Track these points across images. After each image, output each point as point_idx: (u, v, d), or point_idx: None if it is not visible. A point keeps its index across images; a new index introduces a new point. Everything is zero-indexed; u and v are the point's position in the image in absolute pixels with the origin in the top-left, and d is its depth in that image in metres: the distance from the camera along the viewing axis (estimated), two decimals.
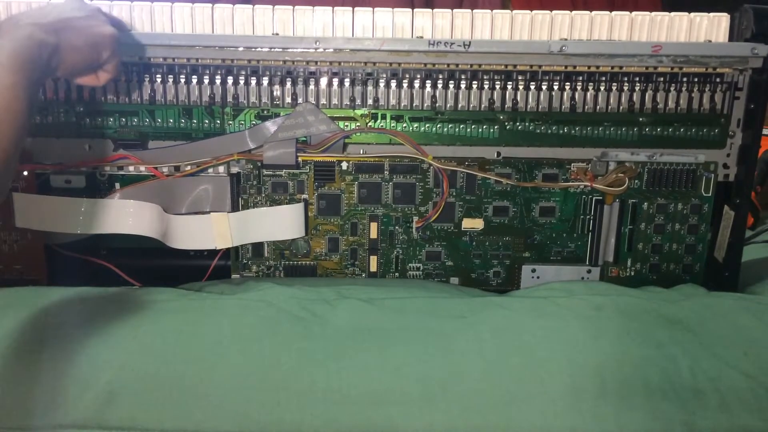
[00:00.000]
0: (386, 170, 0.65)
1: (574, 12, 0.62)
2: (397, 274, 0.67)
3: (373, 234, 0.66)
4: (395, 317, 0.55)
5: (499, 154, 0.64)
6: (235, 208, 0.64)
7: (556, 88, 0.62)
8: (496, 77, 0.62)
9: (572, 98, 0.63)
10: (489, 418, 0.48)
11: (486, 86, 0.62)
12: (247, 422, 0.48)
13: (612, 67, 0.61)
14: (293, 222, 0.65)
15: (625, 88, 0.62)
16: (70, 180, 0.63)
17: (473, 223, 0.66)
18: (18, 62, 0.40)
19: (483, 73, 0.62)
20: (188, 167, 0.63)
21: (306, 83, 0.62)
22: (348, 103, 0.63)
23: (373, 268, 0.67)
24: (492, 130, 0.63)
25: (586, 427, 0.48)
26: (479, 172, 0.64)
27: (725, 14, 0.62)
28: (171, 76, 0.61)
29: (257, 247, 0.66)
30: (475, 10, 0.62)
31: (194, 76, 0.61)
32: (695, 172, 0.65)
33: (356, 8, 0.61)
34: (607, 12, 0.62)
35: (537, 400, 0.49)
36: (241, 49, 0.60)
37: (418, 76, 0.62)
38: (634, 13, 0.62)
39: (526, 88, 0.62)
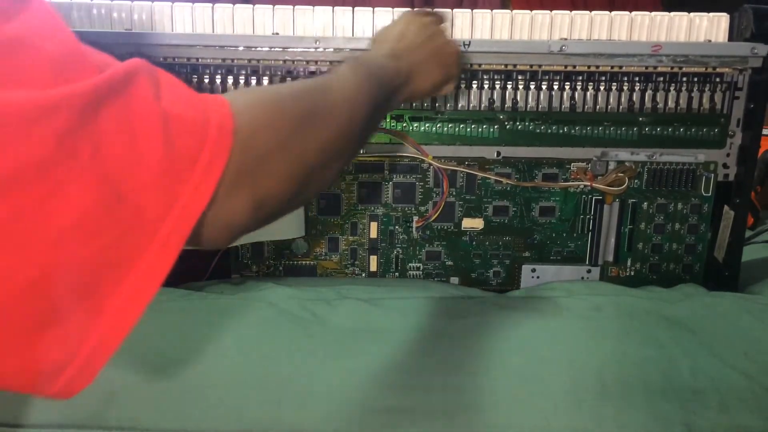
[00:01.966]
0: (386, 170, 0.64)
1: (574, 12, 0.62)
2: (397, 274, 0.67)
3: (373, 234, 0.66)
4: (395, 317, 0.55)
5: (499, 153, 0.64)
6: None
7: (556, 87, 0.62)
8: (496, 77, 0.62)
9: (572, 98, 0.63)
10: (489, 418, 0.48)
11: (486, 86, 0.62)
12: (247, 422, 0.48)
13: (612, 67, 0.61)
14: (293, 222, 0.64)
15: (625, 88, 0.62)
16: None
17: (473, 223, 0.66)
18: (369, 75, 0.40)
19: (483, 72, 0.62)
20: None
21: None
22: None
23: (373, 268, 0.67)
24: (492, 130, 0.63)
25: (586, 427, 0.48)
26: (479, 172, 0.64)
27: (725, 14, 0.62)
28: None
29: (257, 247, 0.66)
30: (475, 10, 0.62)
31: (194, 76, 0.61)
32: (695, 171, 0.65)
33: (356, 8, 0.61)
34: (607, 12, 0.62)
35: (537, 400, 0.49)
36: (241, 48, 0.60)
37: None
38: (633, 13, 0.62)
39: (526, 88, 0.62)
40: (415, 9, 0.56)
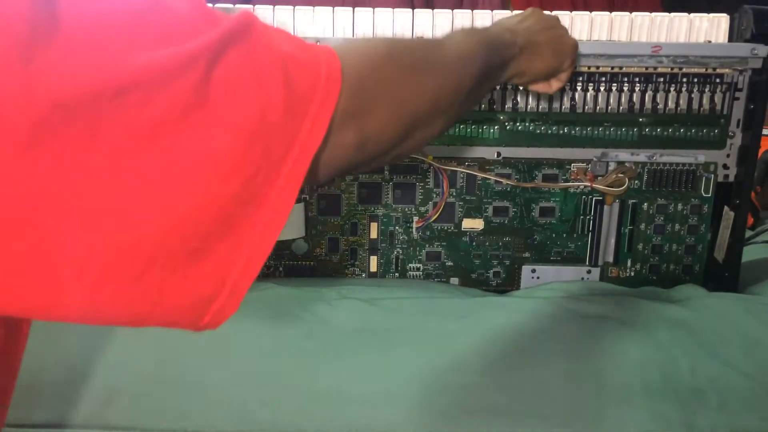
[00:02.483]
0: (386, 170, 0.64)
1: (574, 12, 0.62)
2: (397, 274, 0.67)
3: (373, 234, 0.66)
4: (395, 317, 0.55)
5: (499, 154, 0.64)
6: None
7: None
8: None
9: (572, 98, 0.63)
10: (489, 418, 0.48)
11: None
12: (247, 422, 0.48)
13: (612, 68, 0.61)
14: (293, 222, 0.64)
15: (625, 89, 0.62)
16: None
17: (473, 224, 0.66)
18: (484, 41, 0.41)
19: None
20: None
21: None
22: None
23: (373, 268, 0.67)
24: (492, 131, 0.63)
25: (586, 427, 0.48)
26: (479, 173, 0.64)
27: (725, 15, 0.62)
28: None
29: None
30: (475, 10, 0.62)
31: None
32: (695, 172, 0.65)
33: (356, 8, 0.61)
34: (607, 12, 0.62)
35: (537, 400, 0.49)
36: None
37: None
38: (633, 13, 0.62)
39: (526, 89, 0.62)
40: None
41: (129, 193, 0.22)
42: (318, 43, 0.54)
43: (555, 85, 0.54)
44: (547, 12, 0.56)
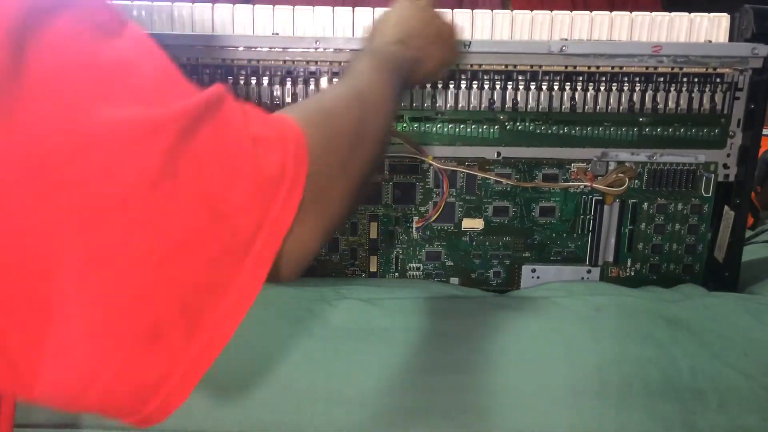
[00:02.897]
0: (386, 170, 0.64)
1: (574, 12, 0.62)
2: (397, 274, 0.67)
3: (373, 234, 0.66)
4: (395, 317, 0.55)
5: (499, 154, 0.64)
6: None
7: (556, 88, 0.62)
8: (496, 77, 0.62)
9: (572, 98, 0.63)
10: (489, 418, 0.48)
11: (486, 86, 0.62)
12: (247, 422, 0.48)
13: (612, 68, 0.61)
14: None
15: (626, 89, 0.62)
16: None
17: (473, 223, 0.66)
18: (388, 70, 0.40)
19: (483, 73, 0.62)
20: None
21: (306, 83, 0.62)
22: None
23: (373, 268, 0.67)
24: (492, 130, 0.63)
25: (586, 427, 0.48)
26: (479, 172, 0.64)
27: (725, 14, 0.62)
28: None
29: None
30: (475, 10, 0.62)
31: (194, 76, 0.61)
32: (695, 172, 0.64)
33: (356, 8, 0.61)
34: (607, 12, 0.62)
35: (537, 400, 0.49)
36: (241, 49, 0.60)
37: None
38: (634, 13, 0.62)
39: (526, 88, 0.62)
40: None
41: (89, 264, 0.20)
42: (317, 44, 0.54)
43: (440, 74, 0.54)
44: None
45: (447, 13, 0.61)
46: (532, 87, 0.62)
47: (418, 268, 0.67)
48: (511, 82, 0.62)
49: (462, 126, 0.63)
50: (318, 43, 0.59)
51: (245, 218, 0.24)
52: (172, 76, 0.24)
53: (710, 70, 0.62)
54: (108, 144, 0.20)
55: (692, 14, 0.62)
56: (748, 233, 0.80)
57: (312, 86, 0.62)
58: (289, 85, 0.62)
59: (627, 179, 0.64)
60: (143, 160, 0.20)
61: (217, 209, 0.23)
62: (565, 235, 0.67)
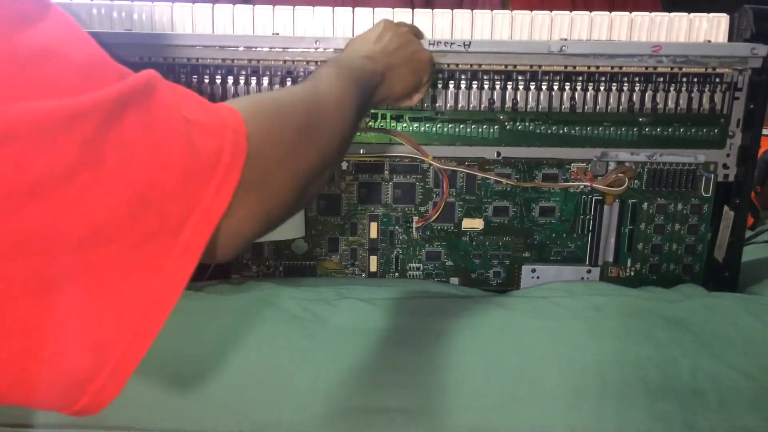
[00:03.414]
0: (386, 170, 0.65)
1: (573, 12, 0.62)
2: (397, 274, 0.67)
3: (373, 234, 0.66)
4: (395, 317, 0.55)
5: (499, 154, 0.64)
6: None
7: (556, 88, 0.62)
8: (496, 77, 0.62)
9: (572, 98, 0.63)
10: (489, 418, 0.48)
11: (486, 86, 0.62)
12: (247, 422, 0.48)
13: (612, 68, 0.61)
14: (293, 222, 0.64)
15: (625, 89, 0.62)
16: None
17: (473, 223, 0.66)
18: (351, 78, 0.41)
19: (483, 73, 0.62)
20: None
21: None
22: None
23: (373, 268, 0.67)
24: (492, 130, 0.63)
25: (586, 427, 0.48)
26: (479, 172, 0.64)
27: (725, 15, 0.62)
28: (171, 75, 0.61)
29: (257, 247, 0.66)
30: (475, 11, 0.62)
31: (194, 76, 0.61)
32: (695, 172, 0.65)
33: (356, 8, 0.61)
34: (607, 12, 0.62)
35: (537, 400, 0.49)
36: (241, 49, 0.60)
37: None
38: (633, 13, 0.62)
39: (526, 88, 0.62)
40: (394, 21, 0.57)
41: (5, 253, 0.19)
42: (317, 44, 0.54)
43: (416, 97, 0.55)
44: (402, 19, 0.57)
45: (446, 14, 0.61)
46: (532, 87, 0.62)
47: (418, 268, 0.67)
48: (511, 82, 0.62)
49: (462, 126, 0.63)
50: (318, 43, 0.59)
51: (175, 204, 0.24)
52: (98, 62, 0.23)
53: (710, 70, 0.62)
54: (19, 136, 0.19)
55: (692, 14, 0.62)
56: (748, 233, 0.80)
57: None
58: (289, 84, 0.62)
59: (627, 179, 0.64)
60: (56, 150, 0.20)
61: (145, 195, 0.23)
62: (565, 235, 0.67)
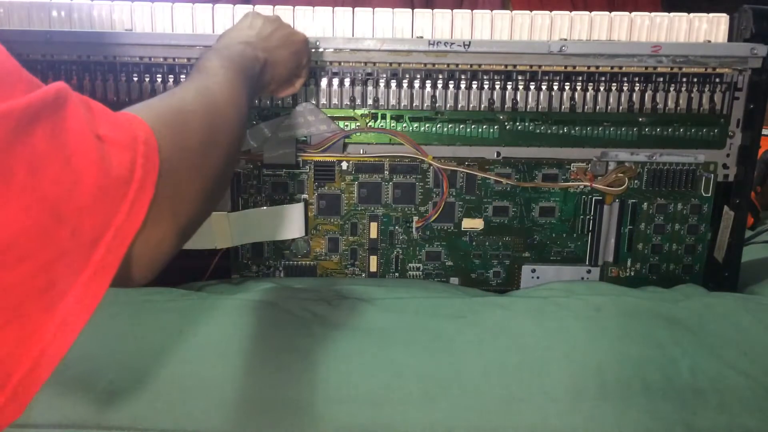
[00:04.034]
0: (386, 170, 0.65)
1: (573, 12, 0.62)
2: (397, 274, 0.67)
3: (373, 234, 0.66)
4: (395, 317, 0.55)
5: (498, 154, 0.64)
6: (235, 207, 0.64)
7: (555, 88, 0.62)
8: (496, 77, 0.62)
9: (572, 98, 0.63)
10: (489, 418, 0.48)
11: (486, 86, 0.62)
12: (248, 422, 0.48)
13: (612, 68, 0.62)
14: (293, 222, 0.64)
15: (625, 89, 0.63)
16: None
17: (473, 223, 0.66)
18: (237, 69, 0.40)
19: (483, 73, 0.62)
20: None
21: (306, 83, 0.62)
22: (348, 103, 0.63)
23: (373, 268, 0.67)
24: (492, 130, 0.63)
25: (586, 427, 0.48)
26: (479, 172, 0.64)
27: (724, 15, 0.62)
28: (171, 76, 0.61)
29: (257, 247, 0.66)
30: (475, 11, 0.62)
31: None
32: (695, 172, 0.65)
33: (356, 8, 0.61)
34: (607, 12, 0.62)
35: (537, 400, 0.49)
36: None
37: (418, 76, 0.62)
38: (633, 13, 0.62)
39: (526, 88, 0.62)
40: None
41: None
42: (317, 44, 0.54)
43: (298, 83, 0.55)
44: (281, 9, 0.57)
45: (446, 14, 0.61)
46: (532, 87, 0.62)
47: (418, 268, 0.67)
48: (510, 82, 0.62)
49: (462, 126, 0.63)
50: (318, 43, 0.59)
51: (89, 221, 0.23)
52: (7, 72, 0.22)
53: (709, 70, 0.62)
54: None
55: (691, 14, 0.62)
56: (748, 233, 0.80)
57: (312, 86, 0.62)
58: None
59: (627, 179, 0.64)
60: None
61: (58, 211, 0.22)
62: (564, 235, 0.67)
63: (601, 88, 0.62)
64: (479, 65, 0.62)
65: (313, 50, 0.58)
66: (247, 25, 0.49)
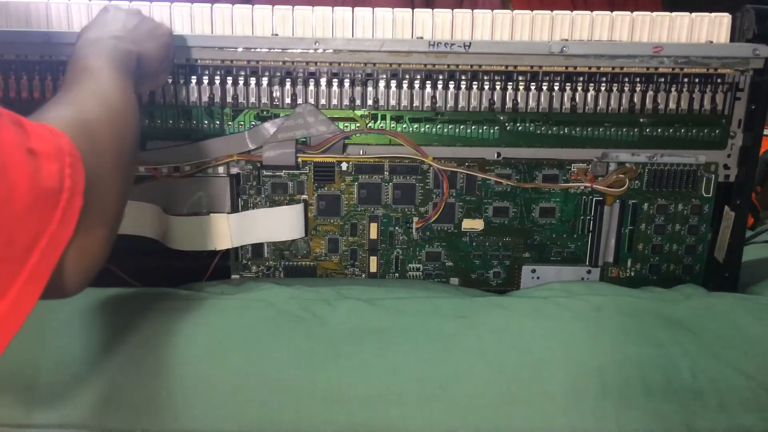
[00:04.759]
0: (386, 171, 0.64)
1: (574, 12, 0.62)
2: (397, 274, 0.67)
3: (373, 234, 0.66)
4: (395, 317, 0.55)
5: (499, 154, 0.64)
6: (234, 208, 0.64)
7: (556, 88, 0.62)
8: (496, 78, 0.62)
9: (573, 99, 0.62)
10: (489, 418, 0.48)
11: (486, 87, 0.62)
12: (247, 422, 0.48)
13: (613, 68, 0.61)
14: (293, 223, 0.65)
15: (626, 89, 0.62)
16: None
17: (473, 224, 0.66)
18: (118, 66, 0.40)
19: (483, 73, 0.62)
20: (188, 168, 0.63)
21: (306, 84, 0.62)
22: (348, 103, 0.63)
23: (373, 268, 0.67)
24: (492, 131, 0.63)
25: (586, 427, 0.48)
26: (479, 173, 0.64)
27: (726, 14, 0.62)
28: (170, 76, 0.61)
29: (257, 247, 0.66)
30: (475, 11, 0.62)
31: (193, 77, 0.61)
32: (696, 172, 0.64)
33: (356, 8, 0.61)
34: (608, 12, 0.62)
35: (537, 400, 0.49)
36: (240, 49, 0.60)
37: (418, 77, 0.62)
38: (635, 13, 0.62)
39: (527, 89, 0.62)
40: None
41: None
42: (317, 44, 0.54)
43: (162, 78, 0.55)
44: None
45: (446, 14, 0.61)
46: (533, 87, 0.62)
47: (418, 269, 0.67)
48: (511, 83, 0.62)
49: (462, 126, 0.63)
50: (317, 43, 0.59)
51: (23, 230, 0.24)
52: None
53: (711, 71, 0.62)
54: None
55: (693, 14, 0.62)
56: (748, 233, 0.80)
57: (312, 87, 0.62)
58: (288, 85, 0.62)
59: (627, 180, 0.64)
60: None
61: None
62: (565, 235, 0.67)
63: (602, 89, 0.62)
64: (479, 66, 0.61)
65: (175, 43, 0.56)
66: (111, 19, 0.48)
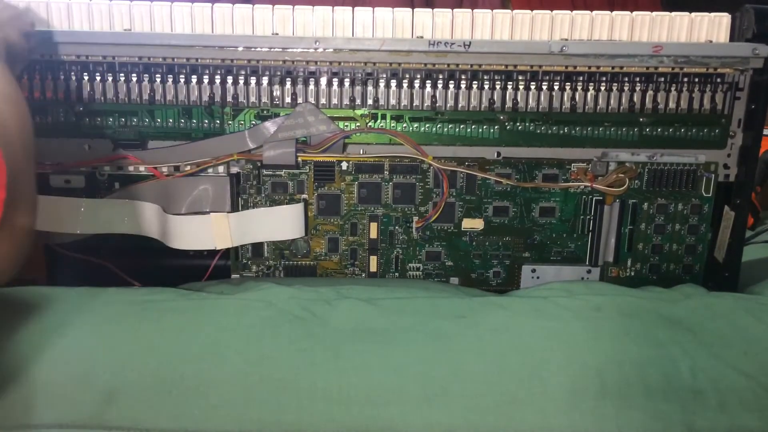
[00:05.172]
0: (386, 170, 0.65)
1: (574, 12, 0.62)
2: (397, 274, 0.67)
3: (373, 234, 0.66)
4: (395, 317, 0.55)
5: (499, 154, 0.64)
6: (234, 208, 0.64)
7: (556, 88, 0.62)
8: (496, 77, 0.62)
9: (572, 98, 0.63)
10: (489, 418, 0.48)
11: (486, 86, 0.62)
12: (247, 422, 0.48)
13: (612, 68, 0.61)
14: (293, 222, 0.65)
15: (626, 89, 0.62)
16: (69, 180, 0.63)
17: (473, 224, 0.66)
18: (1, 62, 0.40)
19: (483, 73, 0.62)
20: (188, 167, 0.63)
21: (306, 83, 0.62)
22: (348, 103, 0.63)
23: (373, 268, 0.67)
24: (492, 131, 0.63)
25: (586, 427, 0.48)
26: (479, 173, 0.64)
27: (726, 14, 0.62)
28: (170, 76, 0.61)
29: (257, 247, 0.66)
30: (475, 10, 0.62)
31: (194, 76, 0.61)
32: (695, 172, 0.65)
33: (356, 8, 0.61)
34: (608, 12, 0.62)
35: (537, 400, 0.49)
36: (240, 49, 0.60)
37: (418, 76, 0.62)
38: (634, 13, 0.62)
39: (527, 89, 0.62)
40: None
41: None
42: (317, 44, 0.54)
43: (19, 68, 0.53)
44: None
45: (446, 13, 0.61)
46: (532, 87, 0.62)
47: (418, 268, 0.67)
48: (511, 82, 0.62)
49: (462, 126, 0.63)
50: (318, 43, 0.59)
51: None
52: None
53: (711, 70, 0.62)
54: None
55: (693, 14, 0.62)
56: (748, 233, 0.80)
57: (312, 86, 0.62)
58: (288, 85, 0.62)
59: (627, 179, 0.64)
60: None
61: None
62: (565, 235, 0.67)
63: (602, 88, 0.62)
64: (479, 65, 0.61)
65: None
66: None
